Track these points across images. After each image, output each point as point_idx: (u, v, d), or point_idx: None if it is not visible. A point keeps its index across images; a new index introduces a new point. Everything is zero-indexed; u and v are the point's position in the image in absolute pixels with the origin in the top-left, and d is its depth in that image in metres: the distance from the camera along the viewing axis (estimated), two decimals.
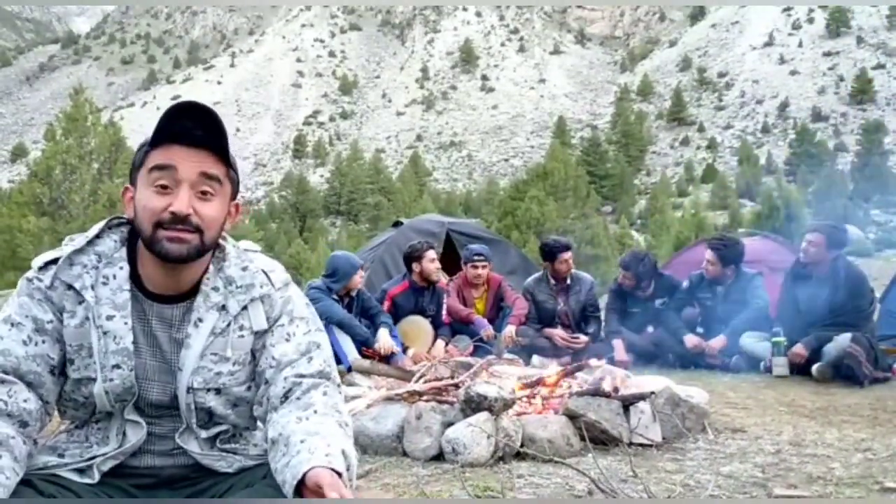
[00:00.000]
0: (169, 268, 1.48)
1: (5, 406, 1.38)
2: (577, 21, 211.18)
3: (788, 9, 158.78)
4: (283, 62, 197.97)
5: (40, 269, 1.48)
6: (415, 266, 6.36)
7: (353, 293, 5.88)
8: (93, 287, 1.47)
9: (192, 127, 1.44)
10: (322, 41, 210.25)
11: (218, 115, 1.47)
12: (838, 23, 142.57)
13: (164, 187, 1.43)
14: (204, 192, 1.46)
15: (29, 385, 1.43)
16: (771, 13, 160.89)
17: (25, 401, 1.41)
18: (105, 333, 1.46)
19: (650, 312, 6.57)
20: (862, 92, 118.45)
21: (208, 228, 1.46)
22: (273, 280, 1.60)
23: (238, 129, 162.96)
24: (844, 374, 5.16)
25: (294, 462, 1.32)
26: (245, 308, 1.55)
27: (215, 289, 1.54)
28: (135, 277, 1.51)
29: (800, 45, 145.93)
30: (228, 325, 1.53)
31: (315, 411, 1.45)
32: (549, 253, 6.74)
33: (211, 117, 1.45)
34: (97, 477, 1.46)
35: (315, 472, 1.27)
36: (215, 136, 1.46)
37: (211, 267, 1.55)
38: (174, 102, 1.46)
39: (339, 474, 1.28)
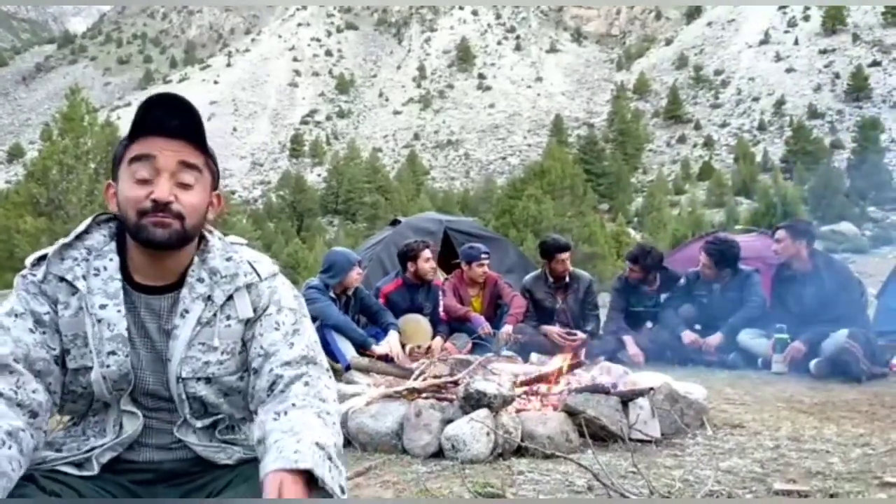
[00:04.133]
0: (155, 257, 1.51)
1: (15, 395, 1.40)
2: (574, 19, 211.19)
3: (784, 6, 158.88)
4: (280, 61, 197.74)
5: (33, 265, 1.53)
6: (410, 265, 6.35)
7: (350, 292, 5.86)
8: (84, 278, 1.50)
9: (168, 117, 1.46)
10: (318, 40, 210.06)
11: (193, 105, 1.50)
12: (834, 20, 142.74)
13: (144, 179, 1.46)
14: (185, 183, 1.49)
15: (38, 374, 1.45)
16: (767, 11, 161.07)
17: (34, 391, 1.43)
18: (99, 321, 1.49)
19: (655, 308, 6.58)
20: (858, 89, 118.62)
21: (189, 216, 1.49)
22: (259, 270, 1.62)
23: (235, 129, 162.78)
24: (842, 370, 5.17)
25: (263, 465, 1.32)
26: (231, 298, 1.57)
27: (200, 280, 1.56)
28: (124, 270, 1.54)
29: (795, 42, 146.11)
30: (214, 314, 1.56)
31: (293, 405, 1.46)
32: (547, 251, 6.74)
33: (186, 107, 1.48)
34: (96, 469, 1.47)
35: (267, 480, 1.28)
36: (192, 125, 1.49)
37: (196, 259, 1.58)
38: (149, 95, 1.49)
39: (306, 472, 1.28)
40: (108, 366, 1.49)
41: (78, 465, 1.48)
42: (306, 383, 1.52)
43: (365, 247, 9.61)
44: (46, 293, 1.50)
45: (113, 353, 1.49)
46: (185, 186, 1.49)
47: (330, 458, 1.34)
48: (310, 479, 1.29)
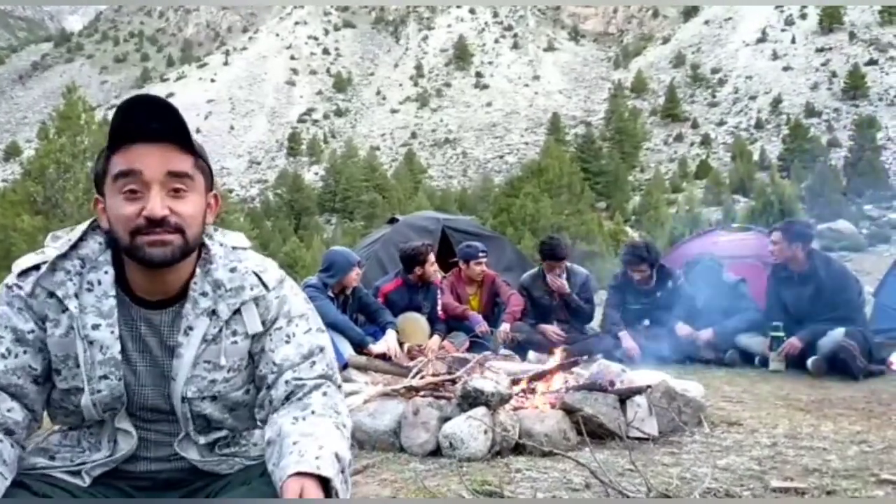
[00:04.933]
0: (153, 273, 1.42)
1: None
2: (571, 18, 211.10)
3: (780, 5, 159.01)
4: (277, 60, 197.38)
5: (20, 274, 1.42)
6: (417, 269, 6.32)
7: (349, 291, 5.86)
8: (76, 295, 1.41)
9: (148, 121, 1.34)
10: (316, 38, 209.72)
11: (173, 104, 1.38)
12: (831, 18, 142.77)
13: (133, 192, 1.35)
14: (176, 190, 1.38)
15: (12, 396, 1.39)
16: (764, 9, 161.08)
17: (9, 410, 1.38)
18: (91, 343, 1.40)
19: (651, 305, 6.59)
20: (855, 87, 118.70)
21: (189, 227, 1.39)
22: (266, 280, 1.53)
23: (232, 127, 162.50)
24: (839, 367, 5.18)
25: (283, 464, 1.30)
26: (237, 311, 1.49)
27: (204, 294, 1.47)
28: (121, 281, 1.45)
29: (793, 40, 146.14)
30: (220, 330, 1.47)
31: (312, 412, 1.43)
32: (544, 256, 6.74)
33: (166, 108, 1.36)
34: (88, 482, 1.44)
35: (289, 482, 1.25)
36: (174, 127, 1.37)
37: (198, 270, 1.48)
38: (124, 99, 1.38)
39: (327, 479, 1.26)
40: (99, 391, 1.42)
41: (70, 474, 1.44)
42: (325, 394, 1.49)
43: (362, 245, 9.60)
44: (33, 308, 1.40)
45: (105, 377, 1.42)
46: (178, 195, 1.38)
47: (343, 472, 1.32)
48: (323, 488, 1.27)
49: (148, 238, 1.35)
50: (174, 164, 1.37)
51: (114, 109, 1.36)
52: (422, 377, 3.90)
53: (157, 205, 1.34)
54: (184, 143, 1.39)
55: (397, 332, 5.75)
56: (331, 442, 1.35)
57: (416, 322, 6.25)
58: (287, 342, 1.51)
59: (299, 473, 1.25)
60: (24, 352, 1.40)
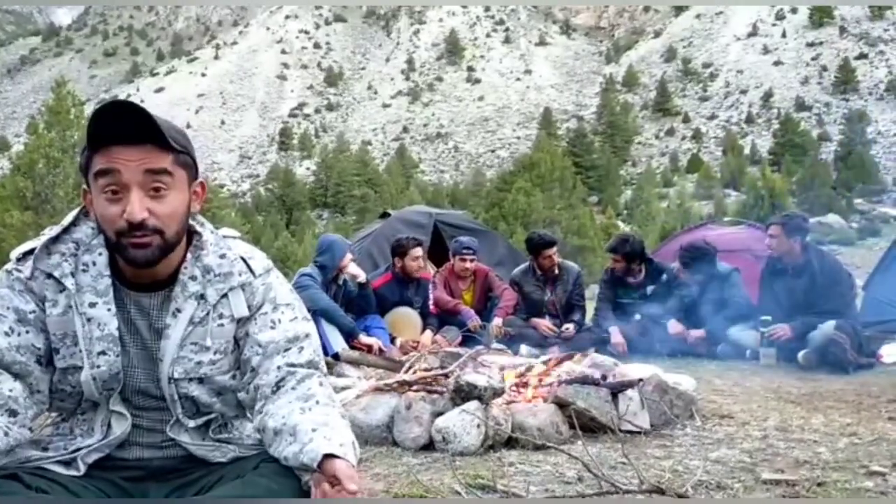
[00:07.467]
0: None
1: None
2: (563, 12, 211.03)
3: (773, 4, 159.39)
4: (268, 54, 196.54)
5: (19, 259, 1.47)
6: (397, 261, 6.35)
7: (341, 281, 5.86)
8: (73, 274, 1.45)
9: (124, 126, 1.37)
10: (307, 32, 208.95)
11: (145, 108, 1.38)
12: (821, 13, 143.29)
13: (114, 192, 1.39)
14: (157, 189, 1.40)
15: (15, 376, 1.41)
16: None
17: (11, 390, 1.39)
18: (89, 320, 1.44)
19: (642, 300, 6.60)
20: (845, 82, 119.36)
21: (167, 227, 1.42)
22: (253, 267, 1.57)
23: (223, 122, 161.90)
24: (829, 360, 5.21)
25: (310, 447, 1.32)
26: (224, 296, 1.53)
27: (193, 278, 1.51)
28: (112, 265, 1.49)
29: (783, 35, 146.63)
30: (207, 314, 1.51)
31: (317, 402, 1.45)
32: (534, 248, 6.75)
33: (139, 112, 1.37)
34: (82, 469, 1.45)
35: (332, 462, 1.28)
36: (149, 128, 1.38)
37: (188, 255, 1.52)
38: (98, 106, 1.40)
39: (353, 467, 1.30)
40: (98, 366, 1.45)
41: (64, 464, 1.45)
42: (321, 383, 1.52)
43: (354, 240, 9.59)
44: (33, 290, 1.45)
45: (103, 353, 1.45)
46: (157, 194, 1.40)
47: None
48: None
49: (131, 241, 1.38)
50: (152, 162, 1.39)
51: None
52: (414, 372, 3.90)
53: (136, 209, 1.37)
54: (161, 143, 1.40)
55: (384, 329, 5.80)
56: (346, 432, 1.39)
57: (407, 317, 6.26)
58: (272, 328, 1.54)
59: (333, 455, 1.29)
60: (27, 331, 1.44)
